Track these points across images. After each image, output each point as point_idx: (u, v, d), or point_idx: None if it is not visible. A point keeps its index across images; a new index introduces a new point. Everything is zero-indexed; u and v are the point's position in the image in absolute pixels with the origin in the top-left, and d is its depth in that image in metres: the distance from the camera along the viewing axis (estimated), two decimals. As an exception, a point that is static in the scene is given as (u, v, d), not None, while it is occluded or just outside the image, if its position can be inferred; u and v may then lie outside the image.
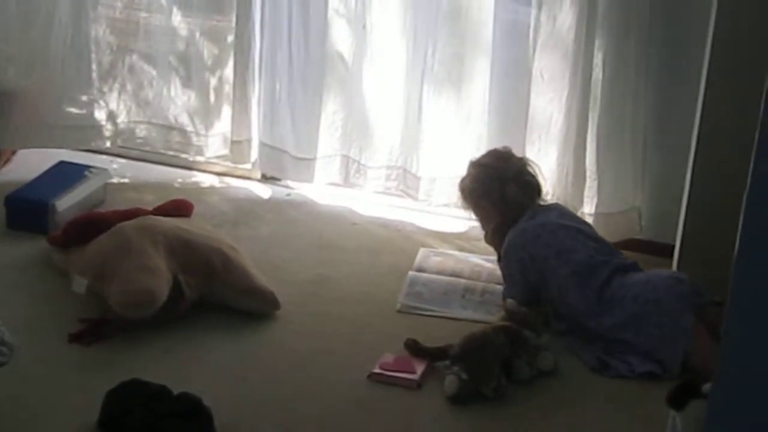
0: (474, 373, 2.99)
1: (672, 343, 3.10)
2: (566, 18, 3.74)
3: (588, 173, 3.83)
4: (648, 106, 3.74)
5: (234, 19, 4.13)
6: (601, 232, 3.72)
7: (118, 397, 2.80)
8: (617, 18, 3.67)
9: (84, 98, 4.25)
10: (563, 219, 3.49)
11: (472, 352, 3.03)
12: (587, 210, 3.84)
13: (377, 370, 3.08)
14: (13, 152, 4.35)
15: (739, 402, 1.66)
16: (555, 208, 3.59)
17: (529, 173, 3.57)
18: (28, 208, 3.82)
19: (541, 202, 3.58)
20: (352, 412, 2.94)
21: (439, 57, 3.94)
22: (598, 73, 3.75)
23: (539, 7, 3.76)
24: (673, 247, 3.55)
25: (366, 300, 3.50)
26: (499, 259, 3.56)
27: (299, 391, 3.00)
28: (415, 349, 3.14)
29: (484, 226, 3.66)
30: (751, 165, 1.57)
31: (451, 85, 3.97)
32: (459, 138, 3.97)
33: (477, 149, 3.77)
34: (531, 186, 3.55)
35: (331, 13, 4.01)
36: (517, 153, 3.71)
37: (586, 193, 3.85)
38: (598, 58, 3.73)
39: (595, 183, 3.83)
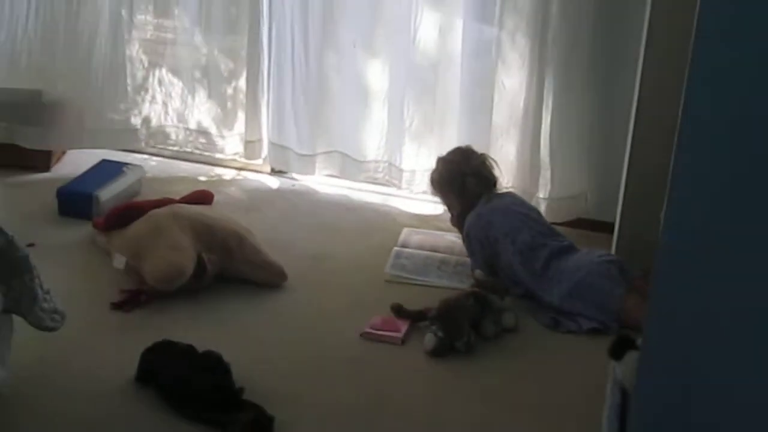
0: (448, 331, 3.00)
1: (608, 309, 3.12)
2: (522, 37, 3.74)
3: (542, 165, 3.85)
4: (592, 107, 3.75)
5: (246, 39, 4.12)
6: (554, 213, 3.78)
7: (153, 355, 2.81)
8: (565, 36, 3.69)
9: (122, 107, 4.23)
10: (513, 205, 3.50)
11: (447, 313, 3.04)
12: (542, 195, 3.85)
13: (368, 330, 3.09)
14: (63, 152, 4.34)
15: (664, 351, 1.68)
16: (508, 195, 3.60)
17: (487, 168, 3.57)
18: (75, 198, 3.80)
19: (497, 190, 3.56)
20: (346, 364, 2.94)
21: (417, 69, 3.94)
22: (549, 81, 3.75)
23: (500, 28, 3.78)
24: (614, 224, 3.54)
25: (358, 272, 3.50)
26: (463, 239, 3.56)
27: (302, 348, 3.01)
28: (399, 311, 3.15)
29: (449, 210, 3.67)
30: (673, 156, 1.59)
31: (428, 93, 3.97)
32: (434, 136, 3.96)
33: (449, 146, 3.73)
34: (487, 179, 3.54)
35: (326, 33, 3.99)
36: (483, 149, 3.70)
37: (540, 181, 3.86)
38: (549, 69, 3.72)
39: (548, 173, 3.84)
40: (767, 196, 1.53)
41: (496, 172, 3.61)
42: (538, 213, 3.59)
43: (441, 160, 3.63)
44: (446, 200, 3.65)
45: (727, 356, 1.62)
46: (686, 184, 1.59)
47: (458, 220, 3.58)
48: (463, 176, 3.53)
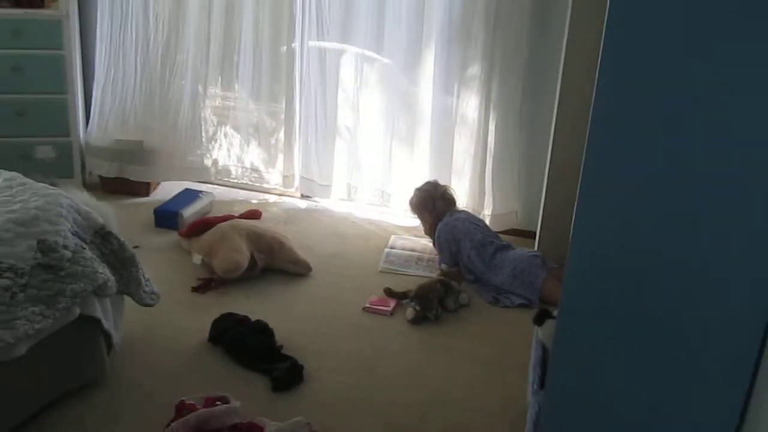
0: (423, 305, 2.99)
1: (533, 289, 3.11)
2: (473, 104, 3.72)
3: (486, 192, 3.81)
4: (520, 153, 3.72)
5: (284, 105, 4.08)
6: (495, 224, 3.75)
7: (220, 323, 2.81)
8: (502, 102, 3.66)
9: (198, 152, 4.18)
10: (469, 217, 3.50)
11: (422, 293, 3.03)
12: (487, 212, 3.81)
13: (368, 305, 3.07)
14: (158, 183, 4.29)
15: (573, 319, 1.67)
16: (464, 211, 3.58)
17: (449, 194, 3.58)
18: (166, 215, 3.75)
19: (457, 209, 3.56)
20: (353, 329, 2.93)
21: (402, 126, 3.91)
22: (491, 136, 3.72)
23: (458, 98, 3.73)
24: (535, 232, 3.54)
25: (361, 265, 3.46)
26: (434, 243, 3.54)
27: (321, 318, 2.98)
28: (389, 292, 3.14)
29: (423, 224, 3.65)
30: (579, 182, 1.58)
31: (408, 142, 3.93)
32: (412, 172, 3.91)
33: (421, 179, 3.73)
34: (450, 201, 3.56)
35: (339, 101, 3.98)
36: (447, 182, 3.72)
37: (485, 203, 3.82)
38: (491, 125, 3.71)
39: (491, 197, 3.81)
40: (650, 212, 1.52)
41: (455, 196, 3.61)
42: (485, 223, 3.57)
43: (417, 190, 3.62)
44: (421, 216, 3.63)
45: (616, 325, 1.62)
46: (588, 202, 1.59)
47: (431, 230, 3.56)
48: (434, 200, 3.55)
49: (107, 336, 2.44)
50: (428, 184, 3.63)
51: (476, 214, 3.68)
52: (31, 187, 2.36)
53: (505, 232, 3.74)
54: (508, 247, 3.36)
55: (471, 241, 3.32)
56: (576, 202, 1.59)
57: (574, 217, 1.61)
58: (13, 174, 2.47)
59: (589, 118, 1.52)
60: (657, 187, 1.50)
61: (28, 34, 3.77)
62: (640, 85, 1.46)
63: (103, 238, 2.43)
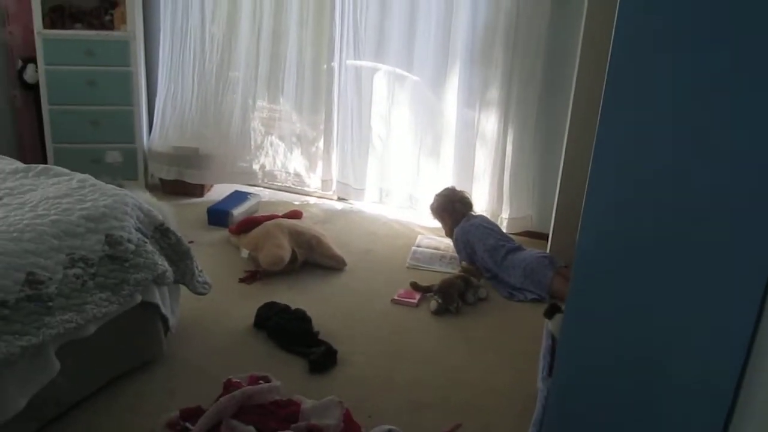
0: (445, 299, 2.98)
1: (542, 287, 3.09)
2: (492, 119, 3.70)
3: (504, 197, 3.79)
4: (535, 162, 3.70)
5: (324, 116, 4.09)
6: (511, 227, 3.73)
7: (263, 310, 2.83)
8: (519, 118, 3.64)
9: (247, 158, 4.20)
10: (484, 222, 3.46)
11: (444, 288, 3.02)
12: (504, 215, 3.78)
13: (396, 297, 3.07)
14: (211, 186, 4.32)
15: (580, 313, 1.66)
16: (480, 216, 3.54)
17: (467, 198, 3.55)
18: (218, 214, 3.78)
19: (473, 213, 3.53)
20: (382, 318, 2.93)
21: (428, 137, 3.90)
22: (508, 146, 3.70)
23: (479, 113, 3.72)
24: (548, 234, 3.51)
25: (390, 261, 3.46)
26: (454, 243, 3.52)
27: (354, 308, 2.99)
28: (415, 286, 3.12)
29: (444, 227, 3.62)
30: (587, 185, 1.57)
31: (434, 152, 3.92)
32: (437, 179, 3.90)
33: (444, 185, 3.71)
34: (467, 204, 3.52)
35: (373, 114, 3.99)
36: (468, 188, 3.71)
37: (503, 207, 3.80)
38: (509, 138, 3.69)
39: (508, 202, 3.78)
40: (653, 210, 1.50)
41: (472, 201, 3.59)
42: (498, 227, 3.52)
43: (437, 195, 3.60)
44: (441, 219, 3.60)
45: (619, 317, 1.60)
46: (594, 207, 1.58)
47: (450, 231, 3.55)
48: (452, 203, 3.52)
49: (165, 320, 2.48)
50: (447, 189, 3.60)
51: (494, 218, 3.66)
52: (101, 188, 2.41)
53: (520, 234, 3.71)
54: (519, 248, 3.32)
55: (484, 245, 3.29)
56: (584, 202, 1.58)
57: (581, 216, 1.60)
58: (86, 176, 2.52)
59: (598, 118, 1.49)
60: (662, 185, 1.46)
61: (100, 53, 3.85)
62: (647, 83, 1.42)
63: (162, 234, 2.47)
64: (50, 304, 1.98)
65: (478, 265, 3.32)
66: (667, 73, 1.40)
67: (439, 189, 3.66)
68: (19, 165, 2.59)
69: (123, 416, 2.20)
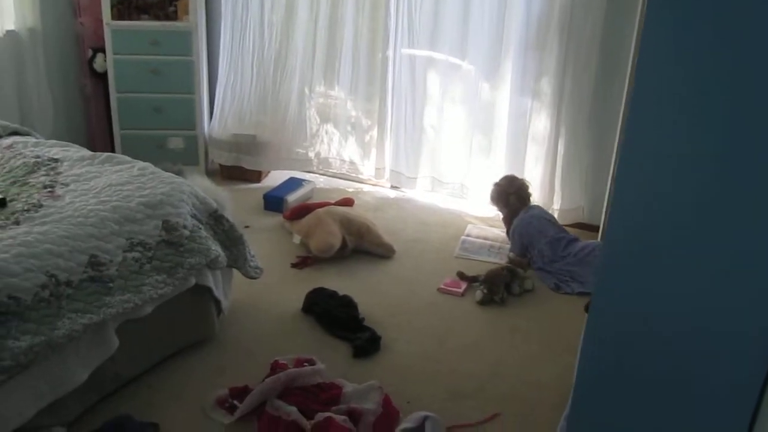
0: (491, 289, 3.03)
1: (592, 277, 3.09)
2: (545, 108, 3.70)
3: (556, 188, 3.78)
4: (588, 152, 3.67)
5: (378, 105, 4.15)
6: (563, 218, 3.71)
7: (312, 296, 2.92)
8: (572, 107, 3.62)
9: (304, 144, 4.30)
10: (542, 213, 3.47)
11: (490, 278, 3.07)
12: (556, 207, 3.78)
13: (442, 286, 3.13)
14: (268, 172, 4.43)
15: (606, 305, 1.66)
16: (538, 207, 3.54)
17: (523, 191, 3.54)
18: (274, 200, 3.89)
19: (532, 203, 3.54)
20: (428, 306, 2.99)
21: (480, 126, 3.92)
22: (562, 137, 3.69)
23: (532, 102, 3.72)
24: (599, 226, 3.50)
25: (439, 250, 3.50)
26: (508, 232, 3.54)
27: (400, 296, 3.06)
28: (461, 276, 3.17)
29: (500, 212, 3.64)
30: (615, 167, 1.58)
31: (486, 141, 3.93)
32: (489, 168, 3.93)
33: (497, 175, 3.73)
34: (523, 198, 3.52)
35: (426, 103, 4.02)
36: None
37: (555, 198, 3.79)
38: (561, 128, 3.67)
39: (560, 193, 3.78)
40: (685, 198, 1.49)
41: (531, 192, 3.58)
42: (555, 219, 3.53)
43: (495, 184, 3.61)
44: (497, 206, 3.63)
45: (647, 307, 1.61)
46: (624, 188, 1.58)
47: (506, 221, 3.56)
48: (507, 195, 3.53)
49: (217, 302, 2.61)
50: (505, 179, 3.60)
51: (546, 209, 3.66)
52: (160, 176, 2.56)
53: (571, 225, 3.70)
54: (575, 240, 3.34)
55: (545, 237, 3.30)
56: (613, 192, 1.59)
57: (611, 204, 1.61)
58: (146, 164, 2.67)
59: (630, 104, 1.48)
60: (694, 174, 1.45)
61: (164, 43, 4.02)
62: (679, 70, 1.41)
63: (216, 220, 2.60)
64: (110, 285, 2.13)
65: (530, 257, 3.34)
66: (709, 35, 1.38)
67: (498, 177, 3.69)
68: (86, 153, 2.77)
69: (176, 392, 2.35)
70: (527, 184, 3.60)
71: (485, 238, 3.64)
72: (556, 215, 3.69)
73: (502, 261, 3.33)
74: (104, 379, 2.21)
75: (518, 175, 3.67)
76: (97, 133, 4.38)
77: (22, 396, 1.91)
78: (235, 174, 4.32)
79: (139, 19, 4.04)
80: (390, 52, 4.00)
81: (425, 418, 2.20)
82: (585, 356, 1.77)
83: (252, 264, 2.74)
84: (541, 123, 3.74)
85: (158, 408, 2.26)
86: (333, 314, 2.78)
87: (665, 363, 1.60)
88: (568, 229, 3.54)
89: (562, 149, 3.70)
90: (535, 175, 3.79)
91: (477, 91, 3.87)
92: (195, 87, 4.14)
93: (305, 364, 2.44)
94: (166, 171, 2.73)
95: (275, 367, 2.40)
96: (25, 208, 2.26)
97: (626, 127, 1.53)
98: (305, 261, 3.30)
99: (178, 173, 2.86)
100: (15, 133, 3.02)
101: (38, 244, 2.03)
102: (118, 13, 4.01)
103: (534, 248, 3.34)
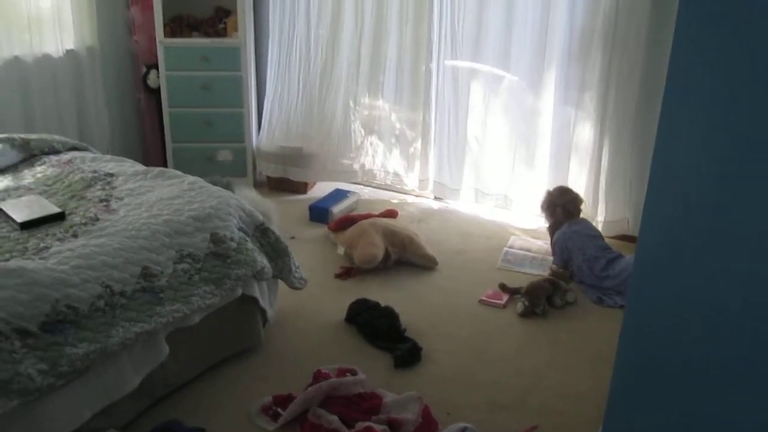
0: (532, 301, 3.04)
1: None
2: (589, 119, 3.70)
3: (600, 200, 3.76)
4: (633, 162, 3.63)
5: (421, 117, 4.21)
6: (607, 230, 3.69)
7: (355, 306, 2.98)
8: (617, 118, 3.60)
9: (350, 156, 4.38)
10: (585, 229, 3.43)
11: (532, 290, 3.07)
12: (599, 218, 3.76)
13: (483, 298, 3.15)
14: (314, 183, 4.53)
15: (640, 317, 1.67)
16: (584, 222, 3.51)
17: (574, 204, 3.52)
18: (319, 211, 3.97)
19: (577, 219, 3.51)
20: (469, 318, 3.02)
21: (524, 138, 3.94)
22: (605, 147, 3.68)
23: (575, 113, 3.72)
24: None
25: (482, 261, 3.53)
26: (552, 241, 3.54)
27: (442, 307, 3.09)
28: (503, 287, 3.19)
29: (547, 222, 3.63)
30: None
31: (529, 152, 3.95)
32: (533, 179, 3.95)
33: (541, 186, 3.75)
34: (570, 212, 3.49)
35: (469, 115, 4.05)
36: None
37: (599, 209, 3.78)
38: (605, 139, 3.66)
39: (604, 205, 3.76)
40: (718, 204, 1.49)
41: (581, 206, 3.55)
42: (600, 234, 3.48)
43: (548, 192, 3.60)
44: (545, 216, 3.62)
45: (676, 321, 1.62)
46: (656, 194, 1.60)
47: (551, 231, 3.56)
48: (555, 206, 3.52)
49: (263, 312, 2.70)
50: (558, 189, 3.58)
51: (589, 220, 3.63)
52: (208, 190, 2.66)
53: (616, 237, 3.68)
54: (618, 257, 3.27)
55: (583, 255, 3.28)
56: (645, 196, 1.61)
57: (643, 213, 1.63)
58: (196, 178, 2.78)
59: (660, 110, 1.51)
60: (726, 178, 1.45)
61: (214, 59, 4.17)
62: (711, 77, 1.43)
63: (262, 233, 2.68)
64: (161, 295, 2.24)
65: (571, 269, 3.34)
66: (741, 41, 1.39)
67: (536, 187, 3.68)
68: (139, 167, 2.91)
69: (222, 398, 2.44)
70: (580, 199, 3.56)
71: (528, 250, 3.65)
72: (600, 227, 3.67)
73: (544, 273, 3.33)
74: (155, 385, 2.32)
75: (566, 187, 3.64)
76: (150, 146, 4.56)
77: (78, 400, 2.03)
78: (282, 185, 4.43)
79: (190, 36, 4.20)
80: (433, 64, 4.05)
81: (464, 429, 2.24)
82: (619, 364, 1.78)
83: (296, 275, 2.81)
84: (584, 134, 3.74)
85: (205, 414, 2.35)
86: (375, 325, 2.83)
87: (699, 368, 1.60)
88: (612, 241, 3.52)
89: (606, 160, 3.68)
90: (579, 186, 3.78)
91: (520, 102, 3.89)
92: (243, 101, 4.27)
93: (347, 373, 2.50)
94: (216, 183, 2.85)
95: (318, 376, 2.47)
96: (83, 221, 2.39)
97: (657, 135, 1.55)
98: (349, 272, 3.36)
99: (227, 185, 2.97)
100: (74, 148, 3.18)
101: (95, 256, 2.15)
102: (171, 31, 4.17)
103: (573, 263, 3.33)
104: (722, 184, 1.47)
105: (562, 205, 3.51)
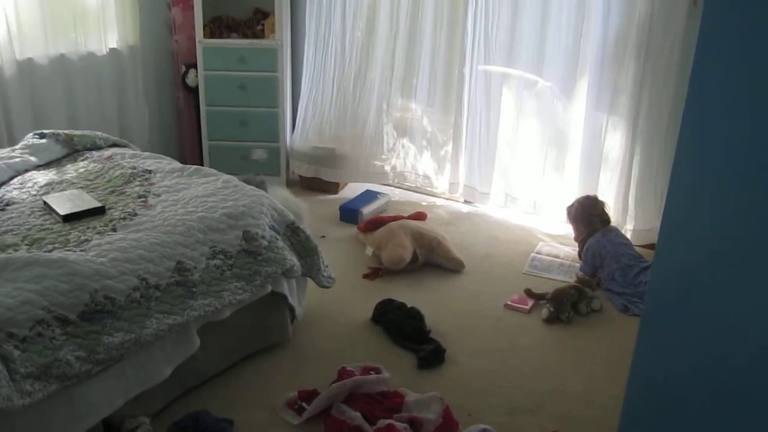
0: (557, 307, 3.06)
1: None
2: (621, 127, 3.70)
3: (630, 208, 3.76)
4: (662, 172, 3.61)
5: (453, 121, 4.25)
6: (636, 238, 3.67)
7: (381, 306, 3.03)
8: (649, 127, 3.60)
9: (382, 157, 4.45)
10: (617, 237, 3.44)
11: (557, 296, 3.09)
12: (629, 227, 3.75)
13: (509, 302, 3.17)
14: (345, 184, 4.60)
15: (655, 323, 1.69)
16: (615, 230, 3.50)
17: (605, 213, 3.52)
18: (349, 211, 4.04)
19: (609, 227, 3.51)
20: (494, 322, 3.05)
21: (555, 144, 3.96)
22: (636, 156, 3.67)
23: (607, 121, 3.73)
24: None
25: (508, 266, 3.56)
26: (580, 251, 3.54)
27: (467, 310, 3.12)
28: (529, 293, 3.21)
29: (574, 231, 3.63)
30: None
31: (560, 159, 3.97)
32: (562, 186, 3.96)
33: (570, 193, 3.78)
34: (606, 221, 3.50)
35: (501, 120, 4.09)
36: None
37: (628, 218, 3.77)
38: (637, 149, 3.66)
39: (633, 213, 3.76)
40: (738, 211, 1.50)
41: (610, 215, 3.56)
42: (631, 243, 3.49)
43: (578, 202, 3.59)
44: (575, 226, 3.61)
45: (691, 336, 1.64)
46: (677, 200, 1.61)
47: (580, 238, 3.56)
48: (591, 216, 3.51)
49: (291, 309, 2.77)
50: (589, 199, 3.58)
51: (619, 228, 3.63)
52: (242, 189, 2.75)
53: (645, 246, 3.67)
54: (650, 266, 3.25)
55: (617, 263, 3.29)
56: (665, 202, 1.63)
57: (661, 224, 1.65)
58: (230, 177, 2.86)
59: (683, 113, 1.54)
60: (742, 196, 1.46)
61: (251, 60, 4.27)
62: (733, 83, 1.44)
63: (293, 232, 2.75)
64: (194, 289, 2.32)
65: (598, 277, 3.35)
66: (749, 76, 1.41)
67: (566, 194, 3.68)
68: (176, 165, 3.00)
69: (250, 391, 2.51)
70: (607, 207, 3.58)
71: (555, 256, 3.66)
72: (629, 235, 3.67)
73: (571, 279, 3.35)
74: (186, 376, 2.40)
75: (596, 196, 3.64)
76: (187, 143, 4.67)
77: (112, 387, 2.12)
78: (314, 185, 4.51)
79: (228, 37, 4.30)
80: (466, 69, 4.09)
81: (484, 431, 2.27)
82: (634, 373, 1.80)
83: (325, 274, 2.86)
84: (616, 142, 3.74)
85: (233, 405, 2.43)
86: (400, 325, 2.87)
87: (713, 384, 1.61)
88: (641, 250, 3.52)
89: (637, 169, 3.68)
90: (609, 194, 3.78)
91: (552, 109, 3.90)
92: (279, 101, 4.36)
93: (371, 372, 2.56)
94: (249, 182, 2.93)
95: (342, 373, 2.53)
96: (122, 216, 2.49)
97: (677, 147, 1.57)
98: (376, 272, 3.42)
99: (261, 184, 3.05)
100: (114, 144, 3.29)
101: (132, 250, 2.25)
102: (210, 32, 4.28)
103: (604, 271, 3.33)
104: (742, 198, 1.48)
105: (599, 215, 3.51)
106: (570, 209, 3.63)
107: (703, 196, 1.56)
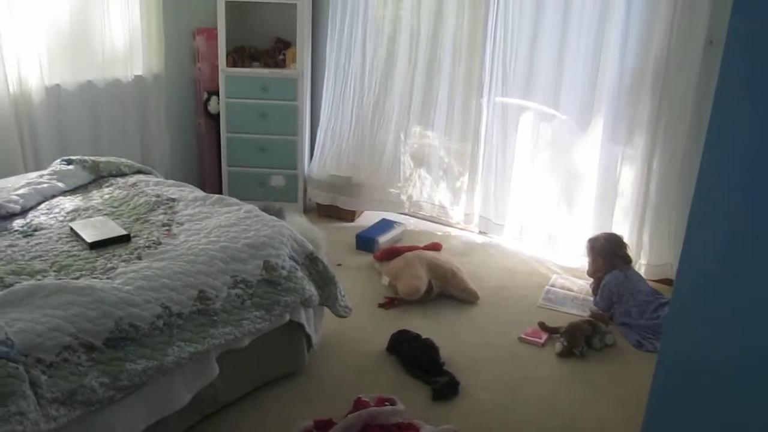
0: (571, 342, 3.07)
1: None
2: (636, 163, 3.73)
3: (644, 244, 3.78)
4: (679, 209, 3.62)
5: (469, 153, 4.31)
6: (650, 273, 3.71)
7: (396, 337, 3.06)
8: (663, 163, 3.64)
9: (398, 186, 4.50)
10: (634, 275, 3.47)
11: (571, 331, 3.11)
12: (643, 261, 3.77)
13: (522, 335, 3.19)
14: (362, 212, 4.65)
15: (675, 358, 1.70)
16: (631, 268, 3.53)
17: (627, 254, 3.55)
18: (366, 240, 4.09)
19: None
20: (506, 355, 3.07)
21: (570, 178, 4.00)
22: (651, 192, 3.71)
23: (622, 157, 3.77)
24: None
25: (522, 299, 3.58)
26: (596, 286, 3.55)
27: (481, 342, 3.15)
28: (543, 326, 3.23)
29: (590, 265, 3.63)
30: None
31: (575, 193, 4.01)
32: (577, 220, 3.99)
33: (585, 227, 3.82)
34: (627, 261, 3.52)
35: (517, 152, 4.14)
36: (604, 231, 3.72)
37: (642, 253, 3.79)
38: (651, 185, 3.70)
39: (647, 249, 3.78)
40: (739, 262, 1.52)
41: (632, 256, 3.59)
42: (645, 281, 3.50)
43: (605, 239, 3.59)
44: (593, 260, 3.61)
45: (709, 361, 1.65)
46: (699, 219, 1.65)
47: (595, 272, 3.57)
48: (615, 255, 3.53)
49: (308, 337, 2.81)
50: (615, 237, 3.59)
51: (633, 263, 3.63)
52: (263, 219, 2.81)
53: (659, 281, 3.69)
54: (666, 303, 3.26)
55: (634, 299, 3.31)
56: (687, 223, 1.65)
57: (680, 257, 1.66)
58: (252, 207, 2.93)
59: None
60: (765, 226, 1.47)
61: (272, 89, 4.36)
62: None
63: (311, 262, 2.80)
64: (215, 318, 2.37)
65: (612, 312, 3.37)
66: None
67: (581, 229, 3.71)
68: (199, 193, 3.07)
69: (266, 418, 2.55)
70: (629, 249, 3.60)
71: (569, 290, 3.68)
72: (642, 270, 3.69)
73: (584, 313, 3.37)
74: (204, 402, 2.45)
75: (621, 236, 3.64)
76: (207, 168, 4.76)
77: (133, 413, 2.16)
78: (330, 212, 4.57)
79: (251, 66, 4.40)
80: (484, 100, 4.16)
81: (497, 465, 2.30)
82: (650, 409, 1.81)
83: (342, 303, 2.90)
84: (631, 176, 3.77)
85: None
86: (415, 356, 2.90)
87: (732, 419, 1.63)
88: (654, 285, 3.54)
89: (652, 204, 3.71)
90: (624, 229, 3.80)
91: (567, 141, 3.95)
92: (298, 129, 4.44)
93: (386, 403, 2.58)
94: (268, 209, 3.00)
95: (358, 404, 2.56)
96: (146, 244, 2.56)
97: (697, 181, 1.60)
98: (392, 302, 3.45)
99: (279, 212, 3.12)
100: (139, 171, 3.38)
101: (156, 279, 2.31)
102: (233, 61, 4.38)
103: (621, 307, 3.35)
104: (761, 232, 1.50)
105: (622, 256, 3.53)
106: (595, 243, 3.62)
107: (722, 237, 1.59)
